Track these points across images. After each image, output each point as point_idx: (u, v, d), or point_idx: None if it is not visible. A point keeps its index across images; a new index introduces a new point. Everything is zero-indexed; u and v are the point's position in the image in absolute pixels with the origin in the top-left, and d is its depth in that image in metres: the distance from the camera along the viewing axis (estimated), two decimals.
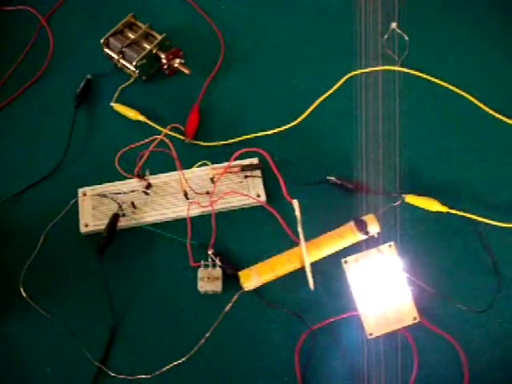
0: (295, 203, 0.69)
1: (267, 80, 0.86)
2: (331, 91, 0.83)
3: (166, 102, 0.85)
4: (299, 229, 0.69)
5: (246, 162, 0.77)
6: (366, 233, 0.69)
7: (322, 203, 0.75)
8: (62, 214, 0.72)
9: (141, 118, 0.82)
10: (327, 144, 0.80)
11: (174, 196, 0.76)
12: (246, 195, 0.73)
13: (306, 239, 0.69)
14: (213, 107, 0.84)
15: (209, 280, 0.69)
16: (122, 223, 0.75)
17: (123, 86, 0.86)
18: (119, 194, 0.75)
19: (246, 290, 0.68)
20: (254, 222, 0.75)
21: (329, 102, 0.83)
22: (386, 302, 0.68)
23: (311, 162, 0.78)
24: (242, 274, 0.69)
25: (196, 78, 0.86)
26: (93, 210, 0.76)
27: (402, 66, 0.85)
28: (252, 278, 0.67)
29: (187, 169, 0.77)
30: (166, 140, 0.73)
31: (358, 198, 0.75)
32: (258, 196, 0.75)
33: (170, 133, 0.80)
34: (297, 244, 0.70)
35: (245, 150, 0.72)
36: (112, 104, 0.84)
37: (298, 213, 0.69)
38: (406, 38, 0.84)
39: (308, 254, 0.68)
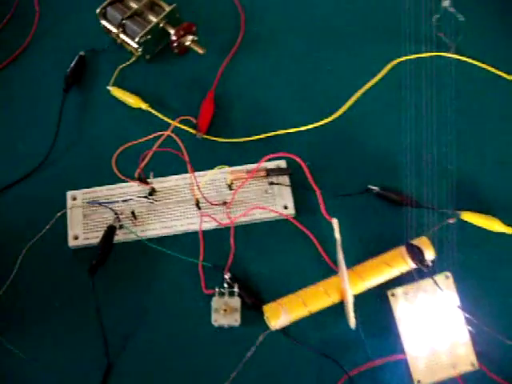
0: (335, 223, 0.56)
1: (297, 64, 0.72)
2: (374, 81, 0.69)
3: (174, 87, 0.71)
4: (339, 255, 0.56)
5: (271, 164, 0.64)
6: (421, 261, 0.57)
7: (362, 218, 0.62)
8: (46, 228, 0.59)
9: (143, 105, 0.68)
10: (369, 146, 0.66)
11: (184, 205, 0.62)
12: (273, 211, 0.60)
13: (348, 265, 0.56)
14: (231, 95, 0.70)
15: (225, 312, 0.57)
16: (120, 236, 0.61)
17: (123, 66, 0.71)
18: (116, 201, 0.61)
19: (273, 329, 0.55)
20: (281, 239, 0.62)
21: (371, 95, 0.69)
22: (439, 344, 0.56)
23: (349, 168, 0.65)
24: (268, 309, 0.56)
25: (211, 59, 0.72)
26: (84, 218, 0.62)
27: (457, 53, 0.72)
28: (281, 316, 0.55)
29: (199, 171, 0.64)
30: (174, 136, 0.59)
31: (405, 214, 0.62)
32: (286, 208, 0.62)
33: (178, 125, 0.67)
34: (334, 272, 0.58)
35: (274, 155, 0.58)
36: (109, 88, 0.70)
37: (338, 235, 0.56)
38: (462, 19, 0.70)
39: (350, 285, 0.55)
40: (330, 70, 0.71)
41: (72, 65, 0.71)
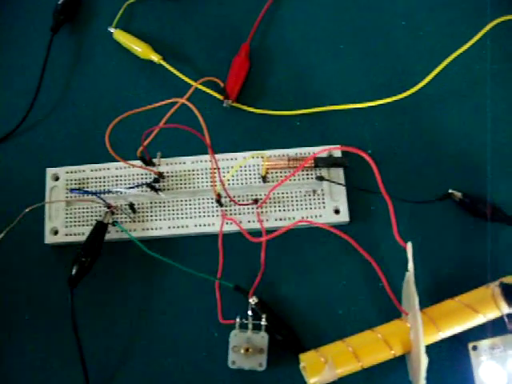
0: (409, 250, 0.40)
1: (363, 16, 0.53)
2: (463, 49, 0.50)
3: (196, 33, 0.53)
4: (411, 294, 0.40)
5: (320, 151, 0.47)
6: None
7: (437, 235, 0.46)
8: (17, 219, 0.43)
9: (155, 57, 0.51)
10: (451, 135, 0.49)
11: (200, 198, 0.47)
12: (322, 225, 0.43)
13: (420, 304, 0.40)
14: (272, 52, 0.52)
15: (247, 353, 0.42)
16: (112, 234, 0.46)
17: (131, 0, 0.54)
18: (109, 191, 0.45)
19: None
20: (328, 255, 0.46)
21: (458, 67, 0.50)
22: None
23: (423, 163, 0.48)
24: (306, 359, 0.41)
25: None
26: (67, 207, 0.47)
27: None
28: (324, 371, 0.40)
29: (224, 153, 0.48)
30: (191, 106, 0.42)
31: (499, 234, 0.46)
32: (337, 213, 0.46)
33: (201, 87, 0.50)
34: (397, 312, 0.42)
35: (334, 148, 0.40)
36: (111, 30, 0.53)
37: (411, 266, 0.40)
38: None
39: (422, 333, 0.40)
40: (405, 27, 0.52)
41: None
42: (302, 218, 0.46)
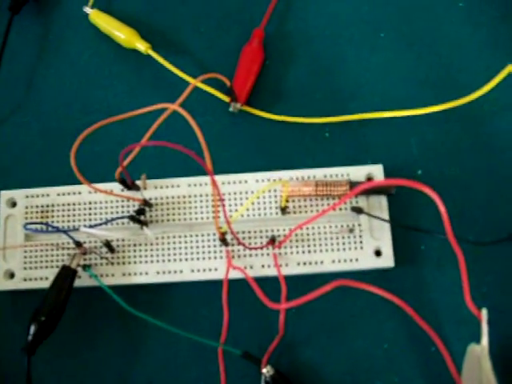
0: (483, 318, 0.29)
1: (410, 4, 0.41)
2: None
3: (195, 16, 0.41)
4: (486, 376, 0.29)
5: (357, 171, 0.36)
6: None
7: (508, 280, 0.35)
8: None
9: (142, 46, 0.40)
10: None
11: (198, 234, 0.36)
12: (362, 286, 0.32)
13: None
14: (290, 40, 0.40)
15: None
16: (83, 281, 0.35)
17: None
18: (76, 229, 0.34)
19: None
20: (365, 307, 0.35)
21: None
22: None
23: (490, 190, 0.37)
24: None
25: None
26: (26, 243, 0.36)
27: None
28: None
29: (230, 174, 0.36)
30: (185, 114, 0.31)
31: None
32: (378, 255, 0.35)
33: (200, 85, 0.39)
34: (452, 380, 0.32)
35: (390, 182, 0.28)
36: (87, 10, 0.41)
37: (485, 340, 0.29)
38: None
39: None
40: (464, 9, 0.40)
41: None
42: (333, 261, 0.35)
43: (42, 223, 0.35)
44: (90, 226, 0.34)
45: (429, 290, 0.35)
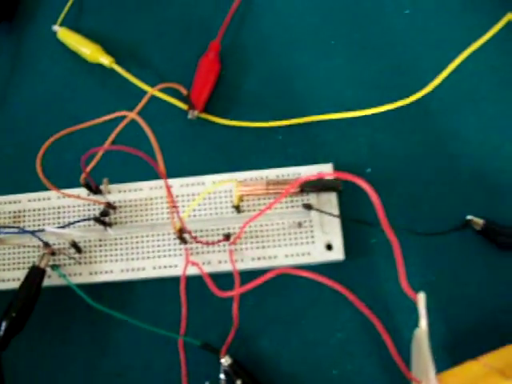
0: (421, 301, 0.31)
1: (357, 5, 0.44)
2: (479, 43, 0.41)
3: (156, 31, 0.44)
4: (425, 356, 0.31)
5: (308, 170, 0.38)
6: None
7: (457, 272, 0.37)
8: None
9: (106, 60, 0.42)
10: (469, 147, 0.40)
11: (159, 233, 0.38)
12: (308, 274, 0.34)
13: (436, 369, 0.31)
14: (245, 51, 0.43)
15: None
16: (53, 280, 0.38)
17: None
18: (41, 230, 0.37)
19: None
20: (319, 298, 0.37)
21: (475, 65, 0.41)
22: None
23: (437, 185, 0.39)
24: None
25: None
26: None
27: None
28: None
29: (188, 176, 0.39)
30: (140, 121, 0.34)
31: None
32: (329, 249, 0.37)
33: (157, 94, 0.41)
34: (405, 381, 0.33)
35: (326, 174, 0.30)
36: (56, 28, 0.44)
37: (424, 322, 0.31)
38: None
39: None
40: (410, 16, 0.43)
41: None
42: (286, 256, 0.37)
43: (12, 226, 0.37)
44: (58, 228, 0.36)
45: (379, 281, 0.37)
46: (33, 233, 0.36)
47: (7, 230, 0.37)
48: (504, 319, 0.36)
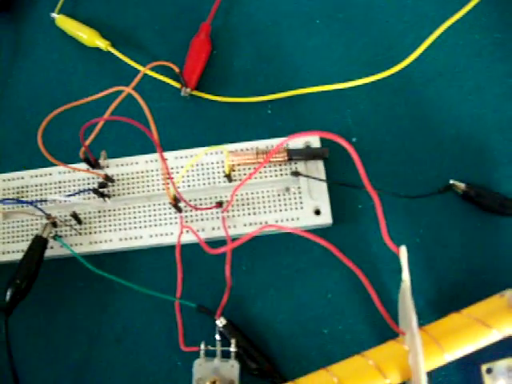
0: (403, 254, 0.33)
1: None
2: (458, 16, 0.43)
3: (149, 15, 0.46)
4: (407, 308, 0.33)
5: (295, 142, 0.40)
6: None
7: (438, 234, 0.39)
8: None
9: (102, 43, 0.44)
10: (448, 117, 0.41)
11: (155, 203, 0.40)
12: (297, 231, 0.37)
13: (421, 322, 0.33)
14: (235, 32, 0.45)
15: None
16: (55, 250, 0.39)
17: None
18: (44, 200, 0.39)
19: None
20: (308, 264, 0.39)
21: (454, 38, 0.43)
22: None
23: (417, 151, 0.41)
24: None
25: None
26: (4, 221, 0.40)
27: None
28: None
29: (182, 149, 0.41)
30: (136, 95, 0.36)
31: (505, 226, 0.38)
32: (317, 214, 0.39)
33: (151, 73, 0.43)
34: (393, 333, 0.35)
35: (306, 134, 0.32)
36: (54, 15, 0.46)
37: (406, 274, 0.33)
38: None
39: (423, 357, 0.32)
40: None
41: None
42: (276, 221, 0.38)
43: (14, 199, 0.39)
44: (53, 201, 0.38)
45: (366, 244, 0.39)
46: (34, 203, 0.38)
47: (11, 201, 0.39)
48: (485, 276, 0.37)
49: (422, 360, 0.31)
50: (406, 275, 0.33)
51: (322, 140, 0.40)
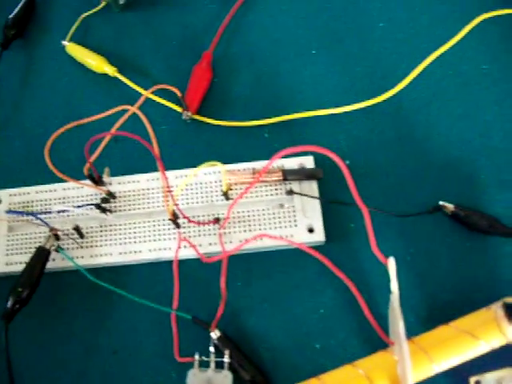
0: (391, 265, 0.34)
1: (335, 18, 0.48)
2: (448, 46, 0.46)
3: (155, 46, 0.49)
4: (396, 319, 0.34)
5: (292, 162, 0.42)
6: None
7: (428, 252, 0.40)
8: None
9: (109, 70, 0.47)
10: (439, 141, 0.43)
11: (155, 220, 0.41)
12: (291, 242, 0.38)
13: (407, 331, 0.34)
14: (236, 61, 0.48)
15: None
16: (57, 262, 0.41)
17: (87, 14, 0.50)
18: (49, 212, 0.40)
19: None
20: (301, 281, 0.40)
21: (443, 66, 0.45)
22: None
23: (411, 174, 0.42)
24: None
25: (211, 7, 0.50)
26: (9, 234, 0.42)
27: None
28: None
29: (182, 167, 0.42)
30: (140, 114, 0.38)
31: (497, 248, 0.40)
32: (311, 232, 0.40)
33: (152, 97, 0.45)
34: (383, 344, 0.36)
35: (296, 148, 0.34)
36: (65, 43, 0.49)
37: (395, 285, 0.34)
38: None
39: (412, 367, 0.33)
40: (384, 29, 0.48)
41: (17, 9, 0.50)
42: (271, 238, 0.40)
43: (19, 212, 0.41)
44: (61, 211, 0.40)
45: (358, 261, 0.40)
46: (37, 214, 0.40)
47: (16, 213, 0.40)
48: (474, 293, 0.38)
49: (409, 367, 0.32)
50: (394, 286, 0.34)
51: (317, 162, 0.42)
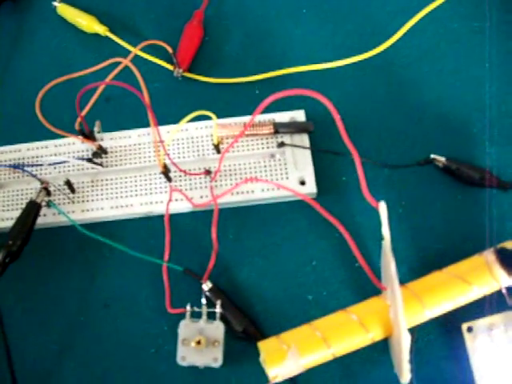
0: (382, 209, 0.34)
1: None
2: (439, 2, 0.46)
3: (145, 4, 0.49)
4: (389, 263, 0.34)
5: (283, 116, 0.42)
6: None
7: (420, 203, 0.40)
8: None
9: (100, 29, 0.47)
10: (431, 95, 0.43)
11: (146, 174, 0.41)
12: (282, 187, 0.38)
13: (400, 281, 0.34)
14: (227, 18, 0.48)
15: (199, 346, 0.35)
16: (48, 218, 0.41)
17: None
18: (41, 164, 0.40)
19: (273, 381, 0.34)
20: (293, 232, 0.40)
21: (439, 17, 0.45)
22: None
23: (402, 127, 0.42)
24: (265, 347, 0.34)
25: None
26: (0, 189, 0.42)
27: None
28: (286, 360, 0.33)
29: (174, 123, 0.42)
30: (132, 67, 0.38)
31: (487, 198, 0.40)
32: (302, 184, 0.40)
33: (143, 55, 0.45)
34: (376, 290, 0.36)
35: (285, 92, 0.34)
36: (55, 4, 0.49)
37: (386, 230, 0.34)
38: None
39: (404, 313, 0.33)
40: None
41: None
42: (262, 190, 0.40)
43: (10, 165, 0.41)
44: (52, 164, 0.40)
45: (350, 214, 0.40)
46: (21, 167, 0.39)
47: (4, 166, 0.40)
48: (464, 243, 0.38)
49: (402, 310, 0.32)
50: (385, 230, 0.34)
51: (308, 116, 0.42)
